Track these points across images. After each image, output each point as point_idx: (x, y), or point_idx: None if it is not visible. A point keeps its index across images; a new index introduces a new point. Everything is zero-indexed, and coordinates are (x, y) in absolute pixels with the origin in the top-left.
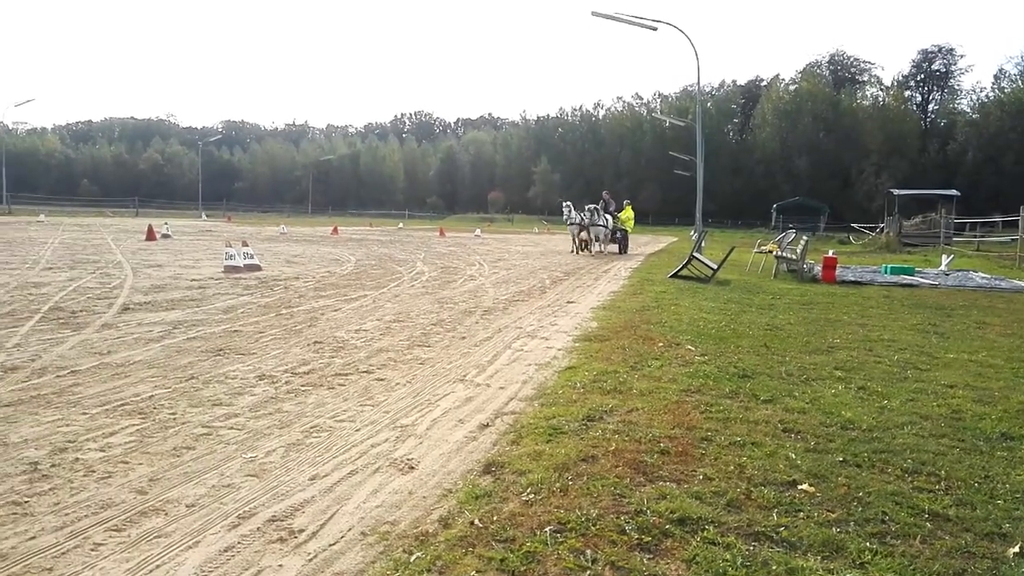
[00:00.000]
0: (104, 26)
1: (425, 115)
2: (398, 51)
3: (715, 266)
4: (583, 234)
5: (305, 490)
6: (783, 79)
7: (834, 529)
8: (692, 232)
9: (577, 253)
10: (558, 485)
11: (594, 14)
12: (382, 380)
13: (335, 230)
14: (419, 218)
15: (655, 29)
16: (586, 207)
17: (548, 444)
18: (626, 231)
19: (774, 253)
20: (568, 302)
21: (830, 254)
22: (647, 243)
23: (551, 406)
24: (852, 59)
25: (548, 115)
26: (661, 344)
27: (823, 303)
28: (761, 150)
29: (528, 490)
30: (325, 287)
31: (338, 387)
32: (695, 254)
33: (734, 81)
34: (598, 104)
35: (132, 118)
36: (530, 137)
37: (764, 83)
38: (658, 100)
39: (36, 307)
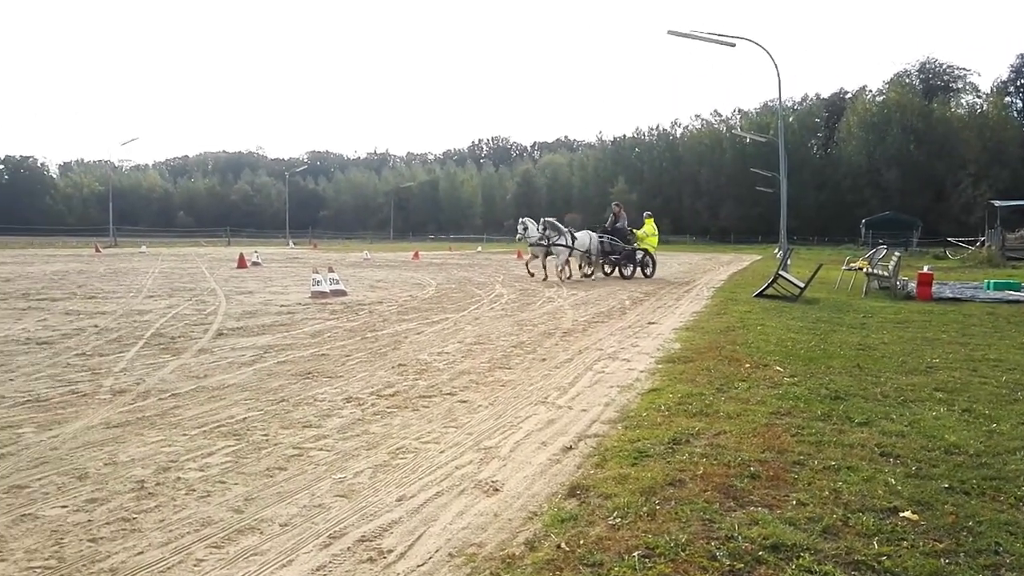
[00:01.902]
0: (199, 66)
1: (502, 140)
2: (476, 78)
3: (802, 284)
4: (554, 257)
5: (393, 511)
6: (869, 90)
7: (942, 560)
8: (776, 250)
9: (543, 278)
10: (645, 509)
11: (670, 33)
12: (465, 402)
13: (416, 255)
14: (497, 241)
15: (733, 45)
16: (540, 221)
17: (633, 467)
18: (646, 251)
19: (864, 270)
20: (649, 323)
21: (925, 270)
22: (730, 262)
23: (635, 429)
24: (944, 66)
25: (624, 135)
26: (748, 365)
27: (919, 321)
28: (847, 164)
29: (614, 514)
30: (408, 311)
31: (422, 409)
32: (780, 272)
33: (817, 94)
34: (675, 122)
35: (224, 152)
36: (607, 158)
37: (849, 95)
38: (738, 116)
39: (140, 333)
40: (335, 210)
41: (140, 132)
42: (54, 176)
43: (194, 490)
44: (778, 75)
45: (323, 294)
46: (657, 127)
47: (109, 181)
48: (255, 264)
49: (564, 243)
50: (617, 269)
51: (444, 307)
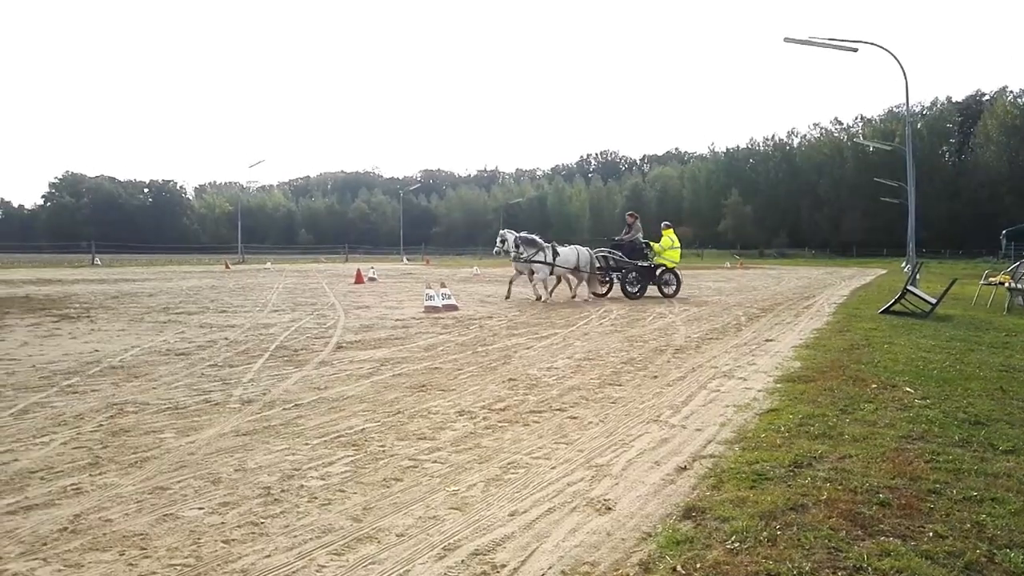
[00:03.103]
0: (321, 92)
1: (611, 154)
2: (585, 93)
3: (934, 300)
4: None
5: (505, 525)
6: (1010, 91)
7: None
8: (904, 264)
9: (538, 299)
10: (765, 534)
11: (787, 40)
12: (575, 418)
13: None
14: None
15: (855, 50)
16: (516, 236)
17: (752, 490)
18: (664, 266)
19: (1006, 285)
20: (767, 340)
21: None
22: (852, 276)
23: (753, 450)
24: None
25: (738, 146)
26: (874, 386)
27: None
28: (985, 171)
29: (732, 538)
30: (517, 325)
31: (533, 424)
32: (909, 287)
33: (949, 98)
34: (792, 132)
35: (342, 172)
36: (719, 170)
37: (986, 98)
38: (860, 124)
39: (265, 346)
40: (446, 226)
41: (266, 155)
42: (190, 198)
43: (316, 498)
44: (905, 79)
45: (435, 308)
46: (772, 137)
47: (238, 201)
48: (371, 279)
49: (543, 259)
50: (622, 287)
51: (553, 322)
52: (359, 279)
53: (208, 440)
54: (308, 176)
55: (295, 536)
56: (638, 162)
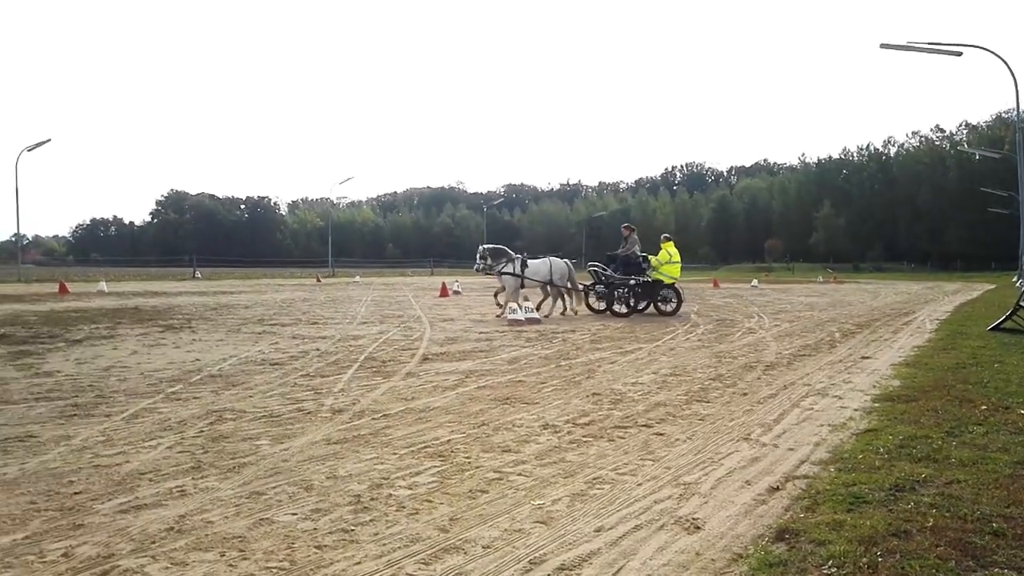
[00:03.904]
0: (407, 109)
1: (696, 166)
2: (669, 104)
3: None
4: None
5: (591, 541)
6: None
7: None
8: (1016, 278)
9: (547, 314)
10: (864, 560)
11: (883, 47)
12: (661, 435)
13: None
14: (691, 269)
15: (959, 55)
16: (481, 247)
17: (849, 514)
18: (659, 281)
19: None
20: (863, 357)
21: None
22: (956, 291)
23: (850, 472)
24: None
25: (830, 156)
26: (984, 407)
27: None
28: None
29: (829, 563)
30: (600, 339)
31: (618, 440)
32: (1023, 303)
33: None
34: (889, 140)
35: (428, 187)
36: (810, 181)
37: None
38: (964, 131)
39: (355, 357)
40: (529, 240)
41: (355, 172)
42: (284, 214)
43: (404, 507)
44: (1015, 82)
45: (519, 322)
46: (868, 146)
47: (328, 217)
48: (456, 293)
49: (511, 271)
50: (607, 304)
51: (637, 336)
52: (444, 292)
53: (301, 448)
54: (395, 192)
55: (384, 544)
56: (725, 174)
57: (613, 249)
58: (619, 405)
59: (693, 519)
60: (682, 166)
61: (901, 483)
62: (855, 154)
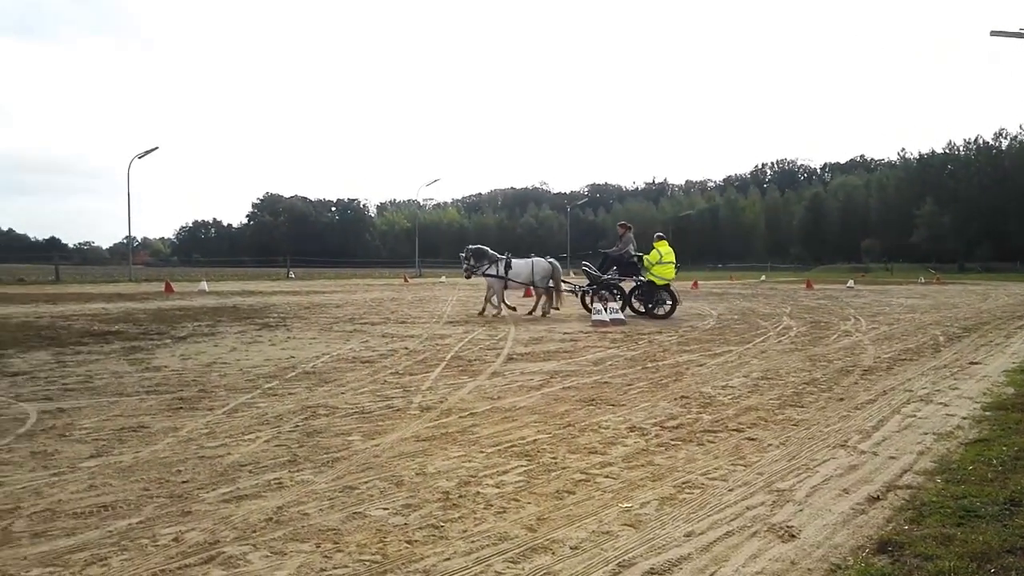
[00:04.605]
0: (491, 111)
1: (788, 163)
2: (759, 99)
3: None
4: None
5: (681, 546)
6: None
7: None
8: None
9: (543, 313)
10: None
11: (994, 34)
12: (753, 440)
13: (695, 284)
14: (782, 270)
15: None
16: (467, 248)
17: (959, 528)
18: (653, 282)
19: None
20: (971, 363)
21: None
22: None
23: (959, 483)
24: None
25: (933, 151)
26: None
27: None
28: None
29: None
30: (688, 341)
31: (707, 444)
32: None
33: None
34: (1000, 133)
35: (512, 188)
36: (910, 177)
37: None
38: None
39: (441, 356)
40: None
41: (441, 173)
42: (372, 215)
43: (491, 505)
44: None
45: (603, 323)
46: (975, 140)
47: (415, 218)
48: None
49: (494, 272)
50: (582, 303)
51: (727, 339)
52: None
53: (391, 444)
54: (480, 193)
55: (473, 541)
56: (818, 171)
57: (705, 247)
58: (708, 409)
59: (787, 527)
60: (773, 163)
61: (1017, 497)
62: (961, 148)
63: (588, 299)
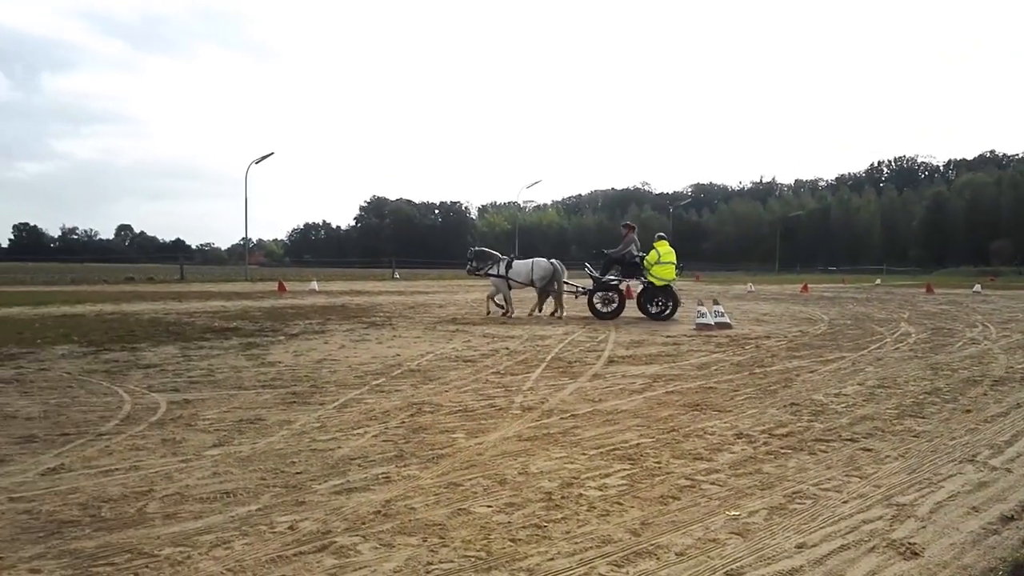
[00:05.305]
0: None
1: (907, 160)
2: (876, 93)
3: None
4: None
5: (792, 557)
6: None
7: None
8: None
9: (543, 311)
10: None
11: None
12: (869, 450)
13: (805, 287)
14: (899, 274)
15: None
16: (471, 249)
17: None
18: (652, 283)
19: None
20: None
21: None
22: None
23: None
24: None
25: None
26: None
27: None
28: None
29: None
30: (798, 347)
31: (819, 453)
32: None
33: None
34: None
35: (612, 189)
36: None
37: None
38: None
39: (542, 357)
40: (717, 241)
41: (542, 175)
42: (473, 217)
43: (594, 507)
44: None
45: (707, 326)
46: None
47: (515, 220)
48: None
49: (496, 273)
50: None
51: (839, 344)
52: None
53: (494, 443)
54: (580, 194)
55: (576, 543)
56: (941, 168)
57: (815, 249)
58: (820, 417)
59: (910, 544)
60: (889, 161)
61: None
62: None
63: (594, 300)
